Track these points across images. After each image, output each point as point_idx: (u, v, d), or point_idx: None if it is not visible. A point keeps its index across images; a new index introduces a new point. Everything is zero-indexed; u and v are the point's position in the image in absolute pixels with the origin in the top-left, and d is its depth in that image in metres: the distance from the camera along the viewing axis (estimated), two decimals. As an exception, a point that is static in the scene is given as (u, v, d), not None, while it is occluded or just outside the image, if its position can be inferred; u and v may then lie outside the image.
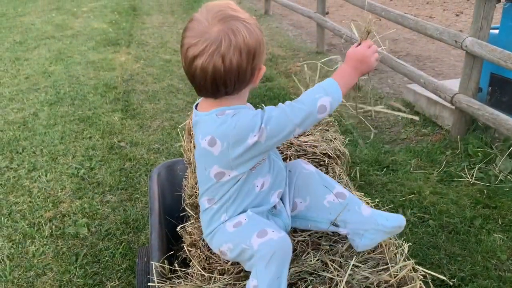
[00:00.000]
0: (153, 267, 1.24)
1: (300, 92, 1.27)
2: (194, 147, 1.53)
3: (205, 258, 1.24)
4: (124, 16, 8.54)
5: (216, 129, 1.14)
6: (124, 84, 5.03)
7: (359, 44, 1.32)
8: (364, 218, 1.30)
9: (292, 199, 1.35)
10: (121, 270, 2.30)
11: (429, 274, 1.30)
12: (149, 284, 1.20)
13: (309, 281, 1.18)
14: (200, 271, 1.20)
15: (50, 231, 2.60)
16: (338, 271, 1.20)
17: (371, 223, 1.29)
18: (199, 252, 1.26)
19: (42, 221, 2.68)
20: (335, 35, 6.00)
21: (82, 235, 2.57)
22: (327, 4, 6.21)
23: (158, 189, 1.64)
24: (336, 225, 1.31)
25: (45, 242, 2.51)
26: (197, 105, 1.27)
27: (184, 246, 1.29)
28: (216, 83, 1.12)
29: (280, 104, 1.18)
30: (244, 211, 1.24)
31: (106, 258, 2.38)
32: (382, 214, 1.33)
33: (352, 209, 1.31)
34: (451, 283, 2.09)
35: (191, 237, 1.30)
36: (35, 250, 2.45)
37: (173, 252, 1.40)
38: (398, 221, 1.32)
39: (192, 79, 1.15)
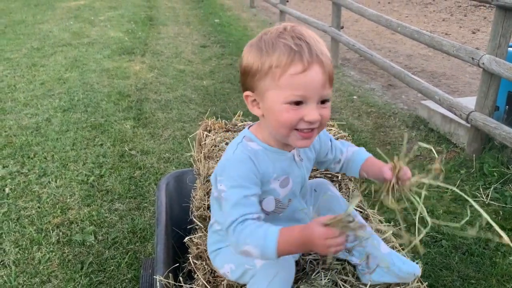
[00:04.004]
0: (158, 280, 1.21)
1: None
2: (204, 157, 1.50)
3: (210, 271, 1.21)
4: (140, 25, 8.64)
5: None
6: (137, 93, 5.05)
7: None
8: (381, 255, 1.25)
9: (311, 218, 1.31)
10: (126, 280, 2.27)
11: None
12: (152, 297, 1.17)
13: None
14: (205, 284, 1.17)
15: (57, 237, 2.58)
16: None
17: (387, 262, 1.24)
18: (204, 264, 1.22)
19: (50, 228, 2.67)
20: (349, 49, 5.98)
21: (88, 243, 2.54)
22: (342, 18, 6.21)
23: (166, 199, 1.61)
24: (350, 253, 1.26)
25: (51, 249, 2.49)
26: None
27: (190, 258, 1.26)
28: None
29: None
30: None
31: (112, 267, 2.35)
32: (400, 257, 1.28)
33: (371, 242, 1.27)
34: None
35: (197, 248, 1.26)
36: (41, 257, 2.43)
37: (178, 264, 1.36)
38: (414, 268, 1.28)
39: None
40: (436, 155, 1.14)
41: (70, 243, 2.55)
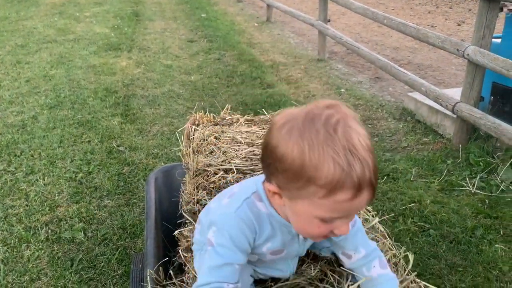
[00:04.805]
0: (148, 274, 1.21)
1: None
2: (193, 151, 1.50)
3: None
4: (126, 21, 8.56)
5: None
6: (124, 89, 5.02)
7: None
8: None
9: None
10: (117, 276, 2.26)
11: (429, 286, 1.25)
12: (142, 291, 1.18)
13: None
14: (195, 276, 1.17)
15: (46, 235, 2.57)
16: (338, 282, 1.17)
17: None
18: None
19: (38, 225, 2.65)
20: (337, 42, 6.00)
21: (78, 240, 2.53)
22: (329, 12, 6.21)
23: (155, 194, 1.61)
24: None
25: (40, 247, 2.47)
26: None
27: (180, 251, 1.27)
28: None
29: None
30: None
31: (102, 264, 2.35)
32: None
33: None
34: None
35: (187, 241, 1.27)
36: (30, 255, 2.41)
37: (168, 258, 1.37)
38: None
39: None
40: None
41: (59, 240, 2.53)
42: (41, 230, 2.61)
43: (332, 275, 1.23)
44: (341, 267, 1.23)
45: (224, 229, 0.98)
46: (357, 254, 1.11)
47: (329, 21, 6.18)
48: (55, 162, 3.38)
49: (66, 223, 2.69)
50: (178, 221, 1.52)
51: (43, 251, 2.44)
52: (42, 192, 2.99)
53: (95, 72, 5.54)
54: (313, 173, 0.82)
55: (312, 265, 1.26)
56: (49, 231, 2.61)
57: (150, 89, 5.05)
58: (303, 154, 0.82)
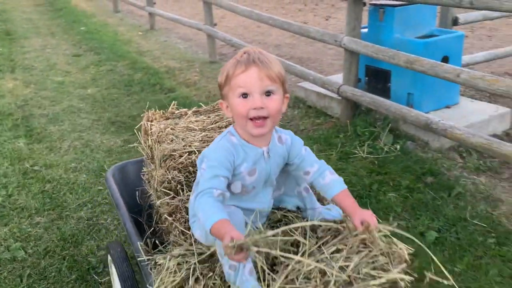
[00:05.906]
0: (138, 246, 1.43)
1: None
2: (154, 142, 1.74)
3: (185, 221, 1.47)
4: (-2, 41, 8.03)
5: None
6: (19, 110, 4.86)
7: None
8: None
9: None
10: (72, 281, 2.36)
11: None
12: (138, 259, 1.39)
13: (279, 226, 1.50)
14: (182, 231, 1.43)
15: (-17, 260, 2.54)
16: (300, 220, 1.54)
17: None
18: (179, 216, 1.48)
19: (-29, 253, 2.60)
20: (226, 44, 6.40)
21: (20, 258, 2.55)
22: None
23: (117, 186, 1.80)
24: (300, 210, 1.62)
25: (-20, 272, 2.45)
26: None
27: (165, 215, 1.50)
28: None
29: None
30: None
31: (53, 274, 2.42)
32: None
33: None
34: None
35: (170, 206, 1.51)
36: (-28, 281, 2.39)
37: (145, 236, 1.59)
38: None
39: None
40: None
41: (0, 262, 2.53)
42: (-25, 256, 2.57)
43: (292, 217, 1.58)
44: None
45: (211, 155, 1.39)
46: (313, 168, 1.52)
47: (215, 24, 6.56)
48: (-34, 191, 3.25)
49: (1, 245, 2.67)
50: (147, 209, 1.73)
51: (-15, 275, 2.43)
52: (-37, 222, 2.89)
53: (-20, 97, 5.22)
54: (225, 71, 1.36)
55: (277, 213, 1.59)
56: (-15, 256, 2.58)
57: (48, 107, 4.95)
58: (223, 69, 1.38)
